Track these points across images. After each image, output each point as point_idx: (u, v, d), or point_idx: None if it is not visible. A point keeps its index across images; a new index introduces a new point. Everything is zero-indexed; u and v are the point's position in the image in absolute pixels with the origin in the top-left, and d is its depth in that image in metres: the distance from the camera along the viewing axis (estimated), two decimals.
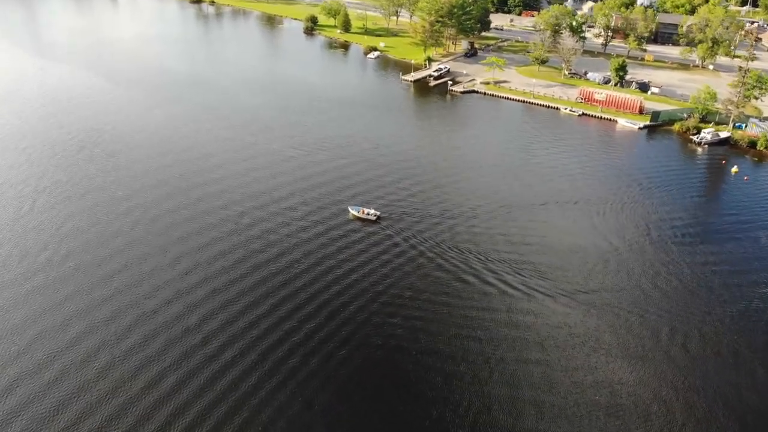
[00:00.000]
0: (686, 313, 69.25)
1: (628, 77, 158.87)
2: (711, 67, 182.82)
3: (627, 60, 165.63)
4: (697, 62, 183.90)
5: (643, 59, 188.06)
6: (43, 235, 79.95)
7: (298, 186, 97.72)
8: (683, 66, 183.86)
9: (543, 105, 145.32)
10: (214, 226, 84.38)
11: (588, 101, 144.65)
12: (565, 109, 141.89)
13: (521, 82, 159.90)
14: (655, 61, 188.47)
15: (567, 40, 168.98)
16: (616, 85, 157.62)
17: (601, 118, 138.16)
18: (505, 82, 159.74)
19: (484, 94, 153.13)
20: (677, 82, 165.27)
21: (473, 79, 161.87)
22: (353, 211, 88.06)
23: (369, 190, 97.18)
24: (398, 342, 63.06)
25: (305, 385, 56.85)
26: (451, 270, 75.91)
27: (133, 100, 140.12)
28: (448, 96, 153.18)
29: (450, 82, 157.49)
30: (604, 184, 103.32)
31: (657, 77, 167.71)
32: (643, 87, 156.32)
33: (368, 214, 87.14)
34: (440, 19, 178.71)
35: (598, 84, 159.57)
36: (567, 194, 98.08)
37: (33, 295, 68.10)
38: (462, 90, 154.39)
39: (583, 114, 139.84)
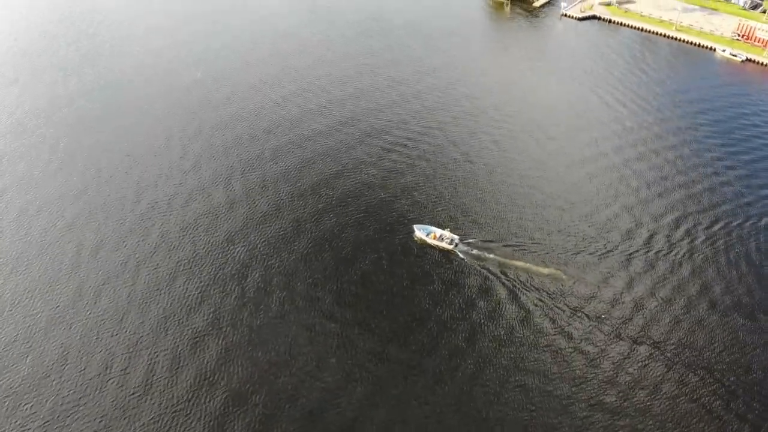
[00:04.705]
0: None
1: None
2: None
3: None
4: None
5: None
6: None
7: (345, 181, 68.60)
8: None
9: (691, 42, 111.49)
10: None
11: (748, 39, 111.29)
12: (723, 51, 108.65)
13: (651, 2, 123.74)
14: None
15: None
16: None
17: None
18: (629, 2, 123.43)
19: (609, 21, 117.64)
20: None
21: None
22: (420, 233, 59.33)
23: (443, 196, 67.69)
24: None
25: None
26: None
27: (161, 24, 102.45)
28: (560, 23, 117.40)
29: (564, 3, 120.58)
30: None
31: None
32: None
33: (441, 238, 58.65)
34: None
35: (743, 9, 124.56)
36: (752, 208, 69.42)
37: None
38: (579, 15, 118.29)
39: (747, 60, 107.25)
